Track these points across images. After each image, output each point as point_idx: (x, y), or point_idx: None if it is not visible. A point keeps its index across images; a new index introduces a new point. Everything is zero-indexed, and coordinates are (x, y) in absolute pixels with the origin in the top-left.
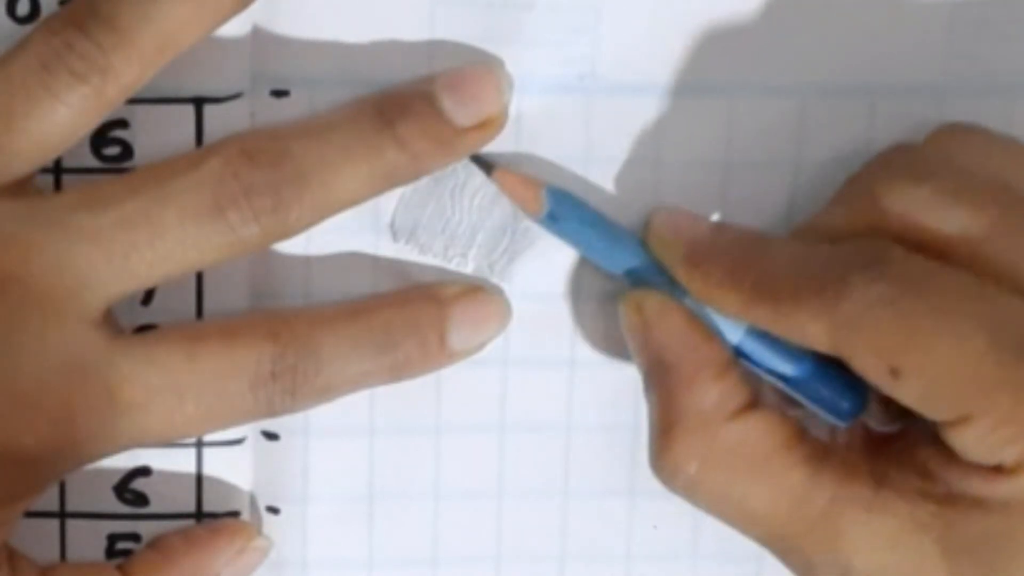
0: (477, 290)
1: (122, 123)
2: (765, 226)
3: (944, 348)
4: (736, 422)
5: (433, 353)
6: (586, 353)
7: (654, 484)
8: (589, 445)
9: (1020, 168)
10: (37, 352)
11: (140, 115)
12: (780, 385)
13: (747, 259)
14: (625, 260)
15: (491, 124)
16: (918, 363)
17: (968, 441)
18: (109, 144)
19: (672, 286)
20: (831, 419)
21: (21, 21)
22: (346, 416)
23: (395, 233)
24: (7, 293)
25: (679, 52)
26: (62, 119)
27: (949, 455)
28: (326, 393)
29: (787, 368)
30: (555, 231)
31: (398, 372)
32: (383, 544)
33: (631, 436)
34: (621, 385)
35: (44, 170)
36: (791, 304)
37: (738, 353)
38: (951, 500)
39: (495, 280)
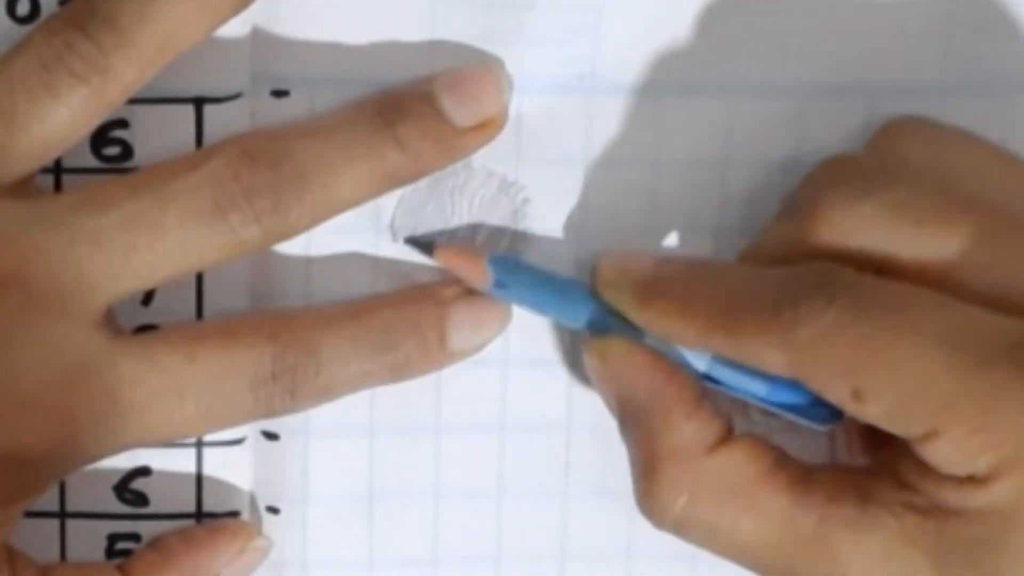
0: (477, 291)
1: (122, 123)
2: (765, 226)
3: (904, 367)
4: (716, 454)
5: (433, 353)
6: None
7: None
8: (589, 445)
9: (969, 162)
10: (38, 353)
11: (140, 115)
12: (756, 403)
13: (696, 289)
14: (580, 313)
15: (491, 124)
16: (879, 384)
17: (939, 454)
18: (109, 144)
19: (631, 329)
20: (814, 426)
21: (21, 21)
22: (346, 416)
23: (395, 233)
24: (8, 294)
25: (679, 52)
26: (62, 119)
27: (923, 468)
28: (326, 393)
29: (759, 388)
30: (505, 298)
31: (398, 372)
32: (383, 544)
33: None
34: None
35: (44, 170)
36: (745, 335)
37: (708, 379)
38: (934, 511)
39: None
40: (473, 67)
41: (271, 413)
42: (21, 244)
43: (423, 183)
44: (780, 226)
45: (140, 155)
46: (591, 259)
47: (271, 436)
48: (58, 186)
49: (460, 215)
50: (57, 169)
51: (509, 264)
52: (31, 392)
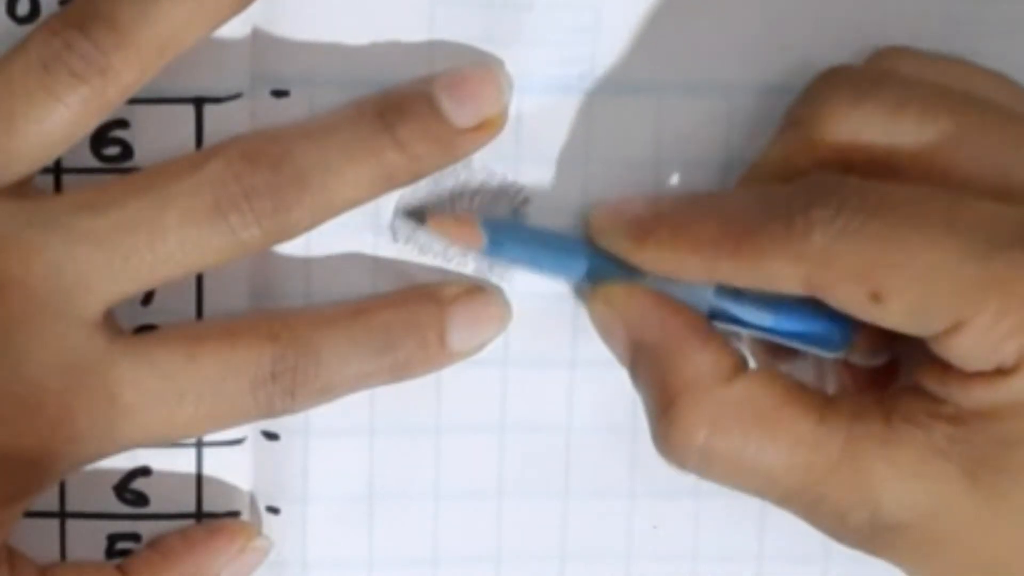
0: (477, 290)
1: (122, 123)
2: None
3: (920, 262)
4: (734, 383)
5: (433, 353)
6: (586, 353)
7: (654, 484)
8: (589, 445)
9: (957, 74)
10: (37, 353)
11: (140, 115)
12: (765, 336)
13: (696, 216)
14: (578, 266)
15: (491, 124)
16: (897, 283)
17: (964, 349)
18: (109, 144)
19: (631, 274)
20: (823, 354)
21: (21, 21)
22: (346, 416)
23: (395, 233)
24: (7, 295)
25: (679, 52)
26: (62, 120)
27: (946, 372)
28: (326, 393)
29: (765, 318)
30: (502, 258)
31: (398, 372)
32: (383, 544)
33: (631, 436)
34: (621, 385)
35: (44, 170)
36: (755, 252)
37: (713, 317)
38: (960, 417)
39: (495, 280)
40: (473, 67)
41: (271, 413)
42: (21, 245)
43: (423, 183)
44: (782, 139)
45: (140, 155)
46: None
47: (271, 436)
48: (58, 186)
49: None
50: (57, 169)
51: (502, 225)
52: (31, 393)
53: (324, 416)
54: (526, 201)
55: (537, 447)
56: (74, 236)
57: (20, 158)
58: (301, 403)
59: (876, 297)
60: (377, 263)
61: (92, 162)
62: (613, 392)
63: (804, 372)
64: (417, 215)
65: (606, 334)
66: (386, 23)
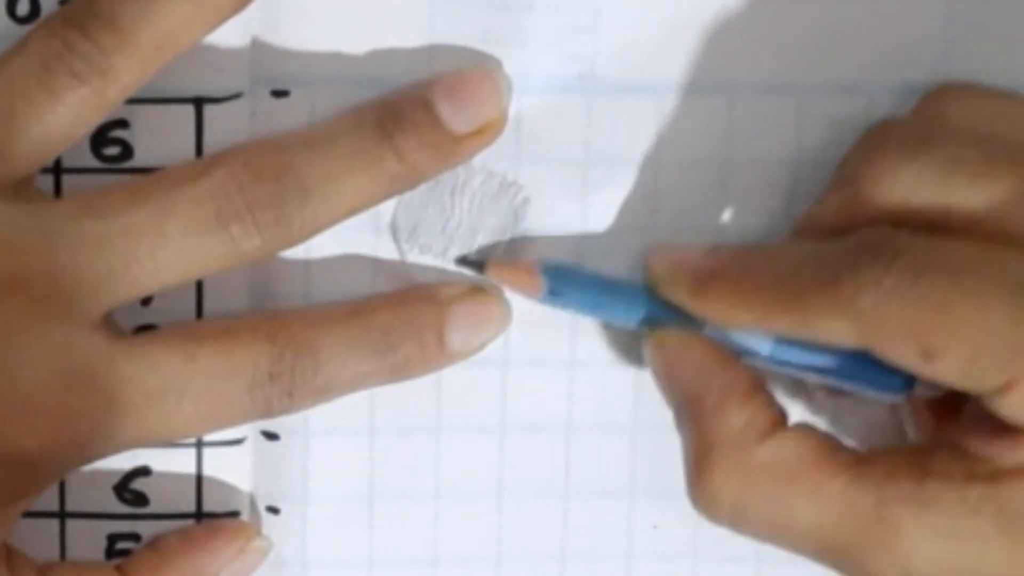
0: (477, 291)
1: (122, 123)
2: (766, 225)
3: (971, 319)
4: (769, 441)
5: (432, 354)
6: (586, 353)
7: (654, 484)
8: (589, 445)
9: (1010, 117)
10: (38, 355)
11: (140, 115)
12: (827, 381)
13: (753, 271)
14: (636, 311)
15: (490, 128)
16: (950, 341)
17: (1016, 407)
18: (109, 144)
19: (689, 321)
20: (886, 398)
21: (21, 21)
22: (346, 416)
23: (395, 233)
24: (8, 297)
25: (679, 52)
26: (62, 119)
27: (991, 431)
28: (324, 394)
29: (827, 362)
30: (559, 305)
31: (397, 373)
32: (383, 544)
33: (631, 436)
34: (621, 385)
35: (44, 170)
36: (807, 309)
37: (774, 362)
38: (999, 475)
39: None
40: (471, 71)
41: (269, 414)
42: (23, 248)
43: (423, 184)
44: (833, 196)
45: (140, 155)
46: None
47: (271, 436)
48: (58, 186)
49: (460, 215)
50: (57, 169)
51: (561, 272)
52: (31, 393)
53: (324, 416)
54: (526, 201)
55: (537, 447)
56: (76, 241)
57: (20, 158)
58: (299, 403)
59: (928, 356)
60: (377, 264)
61: (92, 162)
62: (613, 392)
63: (876, 408)
64: (476, 264)
65: (659, 378)
66: (386, 23)
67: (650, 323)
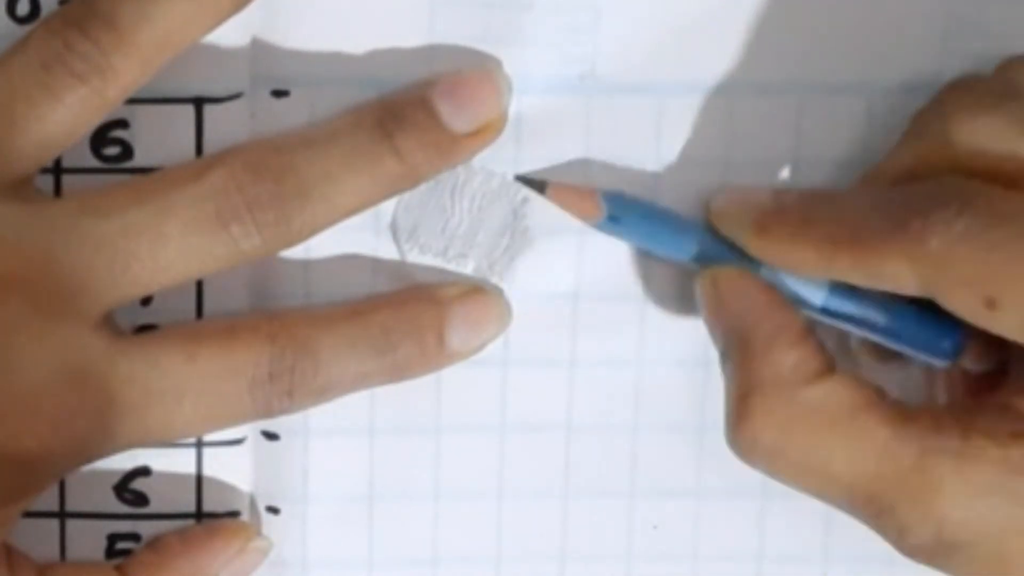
0: (477, 291)
1: (122, 123)
2: None
3: None
4: (815, 386)
5: (432, 354)
6: (586, 353)
7: (654, 484)
8: (589, 445)
9: None
10: (37, 354)
11: (140, 115)
12: (875, 338)
13: (818, 212)
14: (692, 245)
15: (490, 129)
16: (1013, 292)
17: None
18: (109, 144)
19: (743, 261)
20: (933, 361)
21: (21, 21)
22: (346, 416)
23: (395, 233)
24: (8, 296)
25: (679, 52)
26: (62, 119)
27: None
28: (324, 394)
29: (879, 317)
30: (617, 232)
31: (397, 373)
32: (383, 544)
33: (631, 436)
34: (621, 385)
35: (44, 170)
36: (873, 251)
37: (826, 313)
38: None
39: (495, 280)
40: (471, 72)
41: (269, 414)
42: (23, 247)
43: (423, 184)
44: (904, 147)
45: (140, 155)
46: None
47: (271, 436)
48: (58, 186)
49: (460, 214)
50: (57, 169)
51: (621, 199)
52: (30, 393)
53: (324, 416)
54: (526, 201)
55: (537, 447)
56: (76, 240)
57: (20, 157)
58: (299, 403)
59: (991, 304)
60: (377, 263)
61: (92, 162)
62: (613, 392)
63: (912, 377)
64: (536, 184)
65: (708, 314)
66: (386, 23)
67: (704, 260)
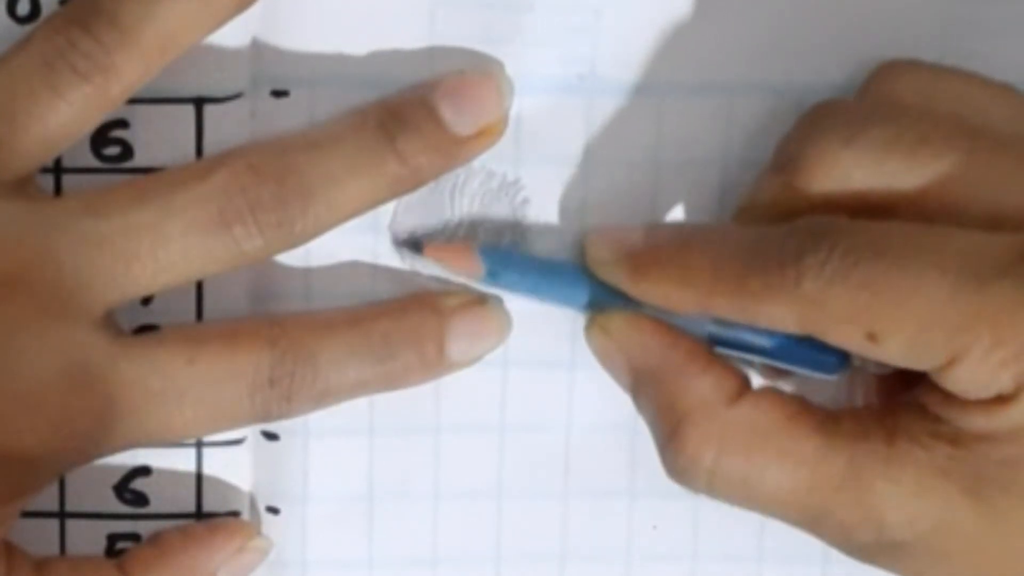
0: (478, 302)
1: (122, 123)
2: None
3: (912, 300)
4: (738, 405)
5: (431, 364)
6: (586, 353)
7: (654, 484)
8: (589, 445)
9: (955, 93)
10: (38, 353)
11: (140, 115)
12: (763, 360)
13: (693, 255)
14: (582, 294)
15: (492, 131)
16: (891, 324)
17: (962, 381)
18: (109, 144)
19: (629, 302)
20: (821, 376)
21: (21, 21)
22: (346, 416)
23: (395, 233)
24: (9, 295)
25: (679, 52)
26: (64, 117)
27: (948, 397)
28: (323, 400)
29: (764, 342)
30: (500, 287)
31: (395, 381)
32: (383, 544)
33: (631, 436)
34: None
35: (44, 170)
36: (750, 295)
37: (713, 342)
38: (961, 439)
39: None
40: (473, 74)
41: (268, 418)
42: (24, 246)
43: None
44: (773, 179)
45: (140, 155)
46: (581, 237)
47: (271, 436)
48: (58, 186)
49: (460, 215)
50: (57, 169)
51: (500, 254)
52: (31, 392)
53: (324, 416)
54: (526, 201)
55: (537, 447)
56: (78, 239)
57: (22, 155)
58: (298, 408)
59: (872, 337)
60: (377, 267)
61: (92, 162)
62: (613, 392)
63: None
64: (413, 244)
65: (606, 362)
66: (386, 23)
67: (597, 305)
